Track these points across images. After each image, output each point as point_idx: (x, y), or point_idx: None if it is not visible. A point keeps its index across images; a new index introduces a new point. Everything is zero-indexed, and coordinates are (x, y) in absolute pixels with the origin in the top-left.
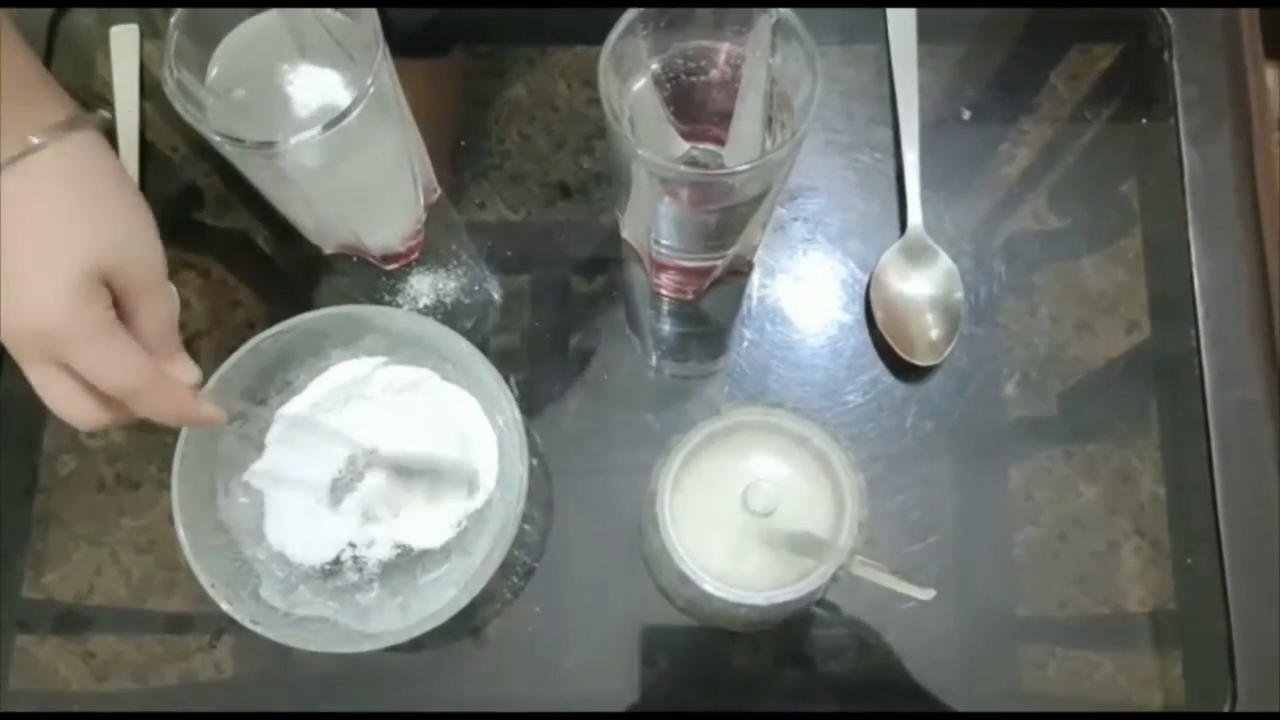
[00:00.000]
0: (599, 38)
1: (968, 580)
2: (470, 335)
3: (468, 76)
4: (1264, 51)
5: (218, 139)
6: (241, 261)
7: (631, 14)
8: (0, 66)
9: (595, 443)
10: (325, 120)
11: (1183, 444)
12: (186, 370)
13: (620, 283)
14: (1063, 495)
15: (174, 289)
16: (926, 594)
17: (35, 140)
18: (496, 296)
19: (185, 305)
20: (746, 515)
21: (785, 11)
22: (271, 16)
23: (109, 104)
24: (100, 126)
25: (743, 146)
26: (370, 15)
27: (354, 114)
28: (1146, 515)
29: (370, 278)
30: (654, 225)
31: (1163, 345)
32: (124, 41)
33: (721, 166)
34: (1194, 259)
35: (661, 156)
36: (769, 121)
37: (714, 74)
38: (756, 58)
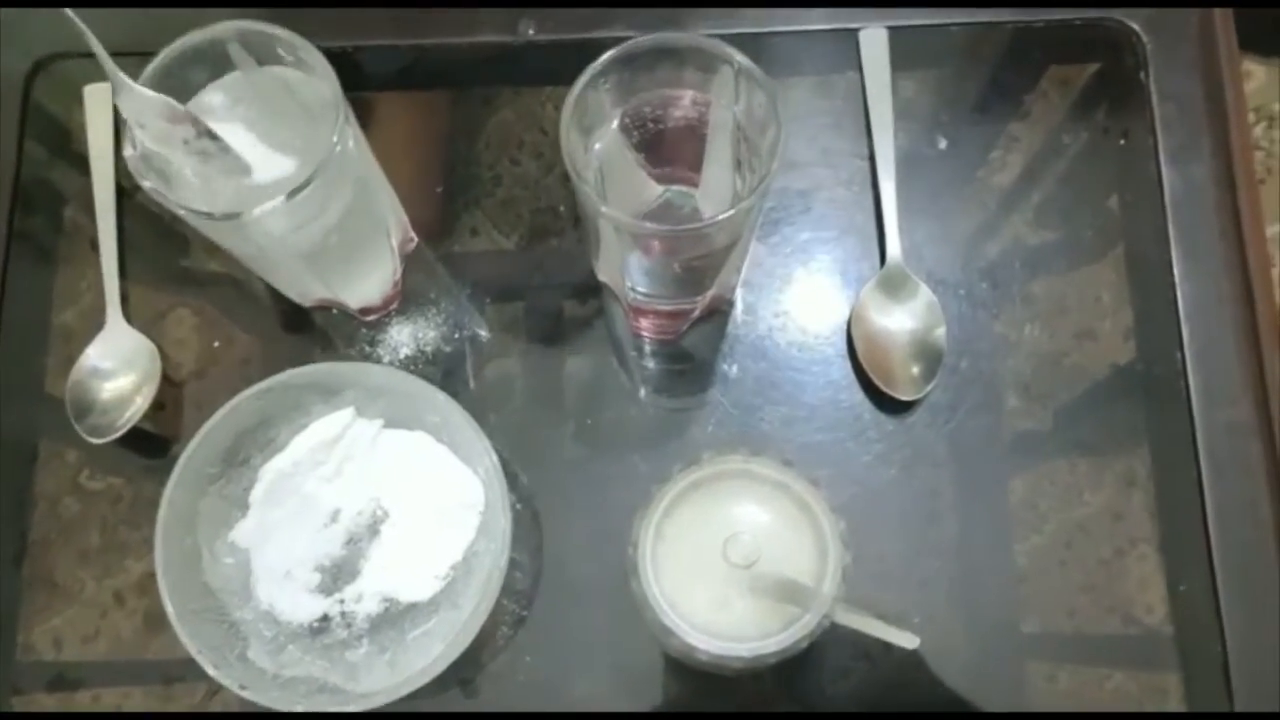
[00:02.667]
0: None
1: (974, 596)
2: (452, 380)
3: (450, 111)
4: (1251, 47)
5: (183, 212)
6: (230, 304)
7: (592, 69)
8: None
9: (582, 485)
10: (291, 186)
11: (1172, 465)
12: None
13: (603, 321)
14: (1065, 508)
15: None
16: (911, 641)
17: None
18: (478, 340)
19: (179, 345)
20: (729, 565)
21: (746, 61)
22: (235, 79)
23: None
24: None
25: (715, 190)
26: (329, 74)
27: (318, 177)
28: (1149, 525)
29: (351, 328)
30: (627, 274)
31: (1149, 367)
32: (98, 99)
33: (693, 212)
34: (1177, 279)
35: (635, 201)
36: (739, 164)
37: (681, 119)
38: (721, 105)
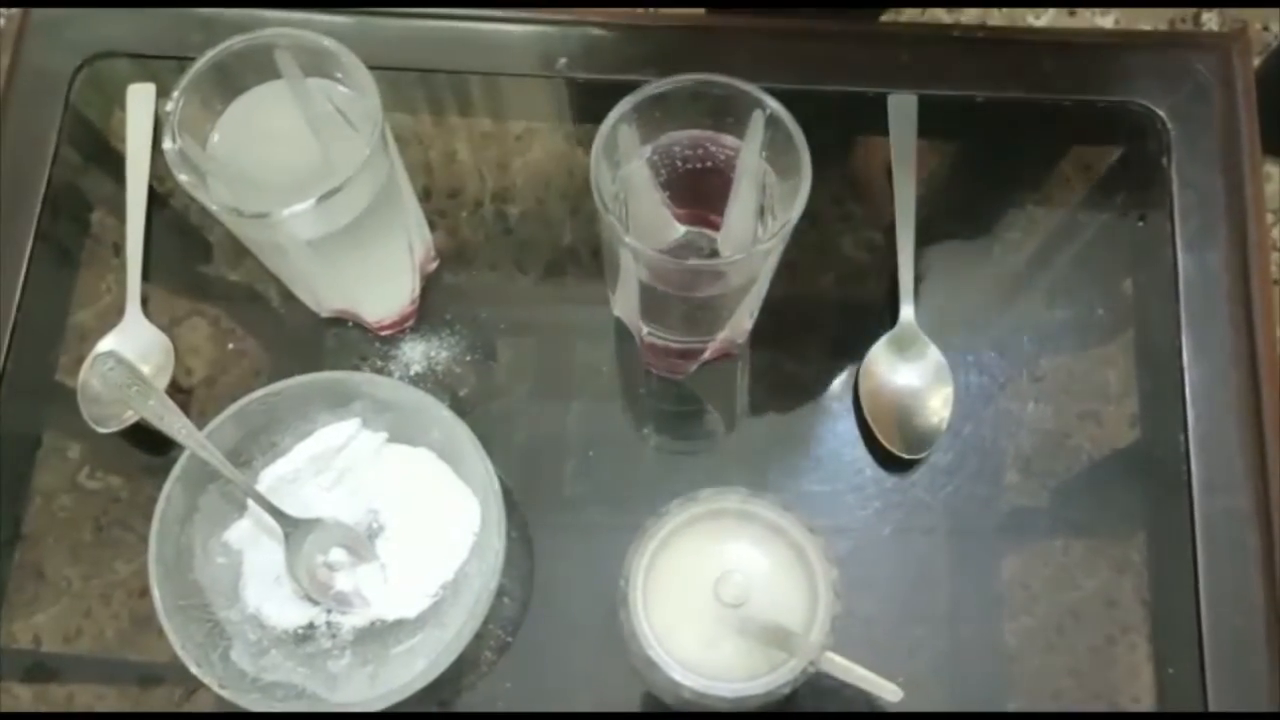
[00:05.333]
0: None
1: (960, 669)
2: (460, 403)
3: (483, 141)
4: (1272, 151)
5: (215, 207)
6: (246, 314)
7: (627, 101)
8: None
9: (579, 518)
10: (322, 191)
11: (1168, 550)
12: None
13: (612, 359)
14: (1058, 591)
15: None
16: (895, 694)
17: None
18: (489, 365)
19: (193, 352)
20: (720, 603)
21: (779, 108)
22: (277, 86)
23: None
24: None
25: (736, 233)
26: (372, 88)
27: (349, 186)
28: (1141, 613)
29: (365, 341)
30: (643, 308)
31: (1151, 450)
32: (140, 99)
33: (713, 254)
34: (1185, 364)
35: (656, 238)
36: (761, 210)
37: (709, 161)
38: (750, 149)
